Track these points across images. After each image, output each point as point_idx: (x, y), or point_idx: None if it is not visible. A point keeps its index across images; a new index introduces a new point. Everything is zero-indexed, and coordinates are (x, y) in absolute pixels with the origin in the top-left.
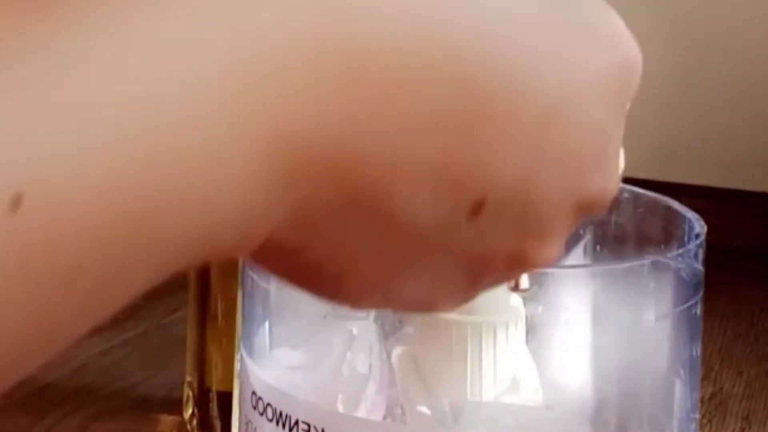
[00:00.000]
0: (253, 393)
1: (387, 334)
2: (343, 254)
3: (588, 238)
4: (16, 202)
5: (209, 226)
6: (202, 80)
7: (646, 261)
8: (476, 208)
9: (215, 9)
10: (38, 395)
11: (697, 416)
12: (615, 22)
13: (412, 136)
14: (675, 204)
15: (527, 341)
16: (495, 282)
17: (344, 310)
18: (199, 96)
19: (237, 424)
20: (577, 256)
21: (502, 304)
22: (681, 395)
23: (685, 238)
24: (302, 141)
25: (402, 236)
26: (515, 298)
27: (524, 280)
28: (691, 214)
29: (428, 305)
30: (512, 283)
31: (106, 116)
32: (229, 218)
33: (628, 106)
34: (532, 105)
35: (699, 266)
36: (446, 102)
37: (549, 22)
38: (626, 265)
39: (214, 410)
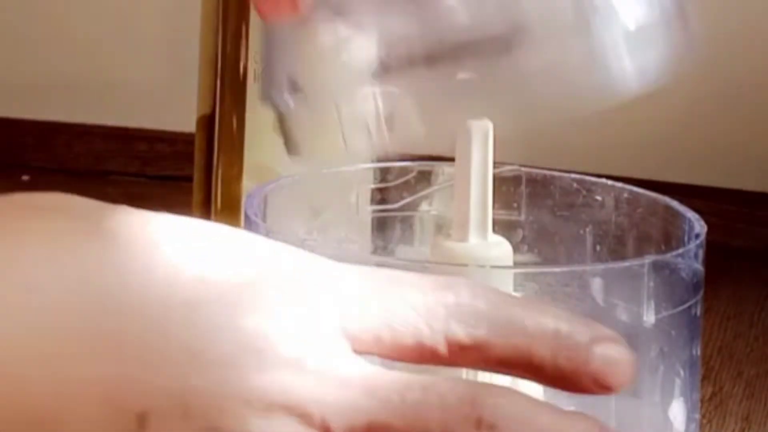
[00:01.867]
0: None
1: None
2: None
3: (588, 238)
4: None
5: None
6: None
7: (646, 261)
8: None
9: None
10: None
11: (697, 416)
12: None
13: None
14: (675, 204)
15: None
16: None
17: None
18: None
19: None
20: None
21: None
22: (681, 395)
23: (685, 238)
24: None
25: None
26: None
27: None
28: (691, 214)
29: None
30: None
31: None
32: None
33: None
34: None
35: (699, 266)
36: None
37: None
38: (626, 265)
39: None
